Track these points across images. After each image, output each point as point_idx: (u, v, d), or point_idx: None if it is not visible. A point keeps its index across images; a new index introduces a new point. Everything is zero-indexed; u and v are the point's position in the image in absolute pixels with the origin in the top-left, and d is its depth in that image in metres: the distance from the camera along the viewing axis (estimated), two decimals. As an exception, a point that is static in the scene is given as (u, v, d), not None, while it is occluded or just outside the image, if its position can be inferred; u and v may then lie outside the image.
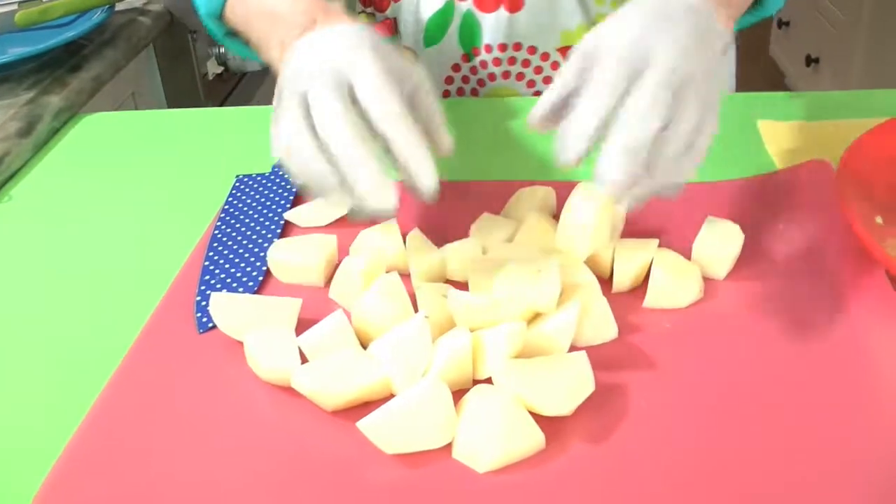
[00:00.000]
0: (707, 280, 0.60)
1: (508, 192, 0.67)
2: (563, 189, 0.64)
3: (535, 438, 0.47)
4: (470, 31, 0.91)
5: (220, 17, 0.73)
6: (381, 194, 0.52)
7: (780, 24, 3.40)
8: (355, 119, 0.53)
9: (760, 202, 0.68)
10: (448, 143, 0.60)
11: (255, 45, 0.69)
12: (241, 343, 0.55)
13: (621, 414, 0.50)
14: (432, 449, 0.48)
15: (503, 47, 0.91)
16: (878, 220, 0.62)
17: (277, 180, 0.76)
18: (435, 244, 0.63)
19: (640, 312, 0.58)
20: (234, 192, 0.76)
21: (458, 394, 0.51)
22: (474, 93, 0.94)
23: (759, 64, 3.50)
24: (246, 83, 1.43)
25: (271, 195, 0.74)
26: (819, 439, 0.48)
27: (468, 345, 0.51)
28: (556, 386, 0.49)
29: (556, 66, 0.91)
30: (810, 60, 3.04)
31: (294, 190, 0.74)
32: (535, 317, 0.55)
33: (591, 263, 0.59)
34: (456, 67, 0.93)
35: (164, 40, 1.26)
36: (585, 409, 0.50)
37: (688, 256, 0.60)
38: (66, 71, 1.04)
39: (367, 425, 0.48)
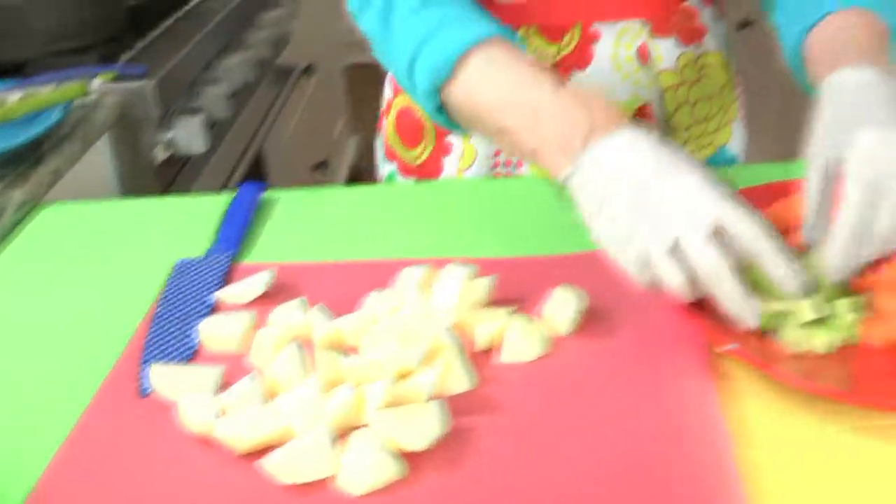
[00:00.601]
0: (556, 338, 0.74)
1: (395, 270, 0.81)
2: (440, 265, 0.78)
3: (398, 469, 0.61)
4: None
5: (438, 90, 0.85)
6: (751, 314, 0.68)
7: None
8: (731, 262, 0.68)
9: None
10: None
11: (499, 133, 0.81)
12: (174, 403, 0.69)
13: (472, 449, 0.64)
14: (319, 479, 0.62)
15: None
16: None
17: (211, 263, 0.90)
18: (335, 316, 0.77)
19: (496, 367, 0.72)
20: (174, 274, 0.89)
21: (347, 435, 0.65)
22: (518, 165, 1.09)
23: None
24: (191, 165, 1.57)
25: (206, 276, 0.88)
26: (632, 476, 0.62)
27: (352, 397, 0.65)
28: (416, 427, 0.63)
29: None
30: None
31: (224, 272, 0.88)
32: (407, 373, 0.69)
33: (459, 327, 0.74)
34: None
35: (117, 130, 1.39)
36: (443, 445, 0.64)
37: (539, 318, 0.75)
38: (27, 166, 1.17)
39: (270, 462, 0.62)
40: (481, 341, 0.73)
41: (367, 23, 0.95)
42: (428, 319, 0.73)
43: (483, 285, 0.77)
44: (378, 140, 1.23)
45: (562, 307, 0.75)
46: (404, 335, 0.71)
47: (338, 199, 1.04)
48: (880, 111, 0.73)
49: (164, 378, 0.72)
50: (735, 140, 1.16)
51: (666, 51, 1.05)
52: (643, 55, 1.04)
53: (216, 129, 1.63)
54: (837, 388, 0.67)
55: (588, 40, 1.03)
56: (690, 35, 1.07)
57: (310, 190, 1.06)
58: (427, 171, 1.15)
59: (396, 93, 1.16)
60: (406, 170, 1.17)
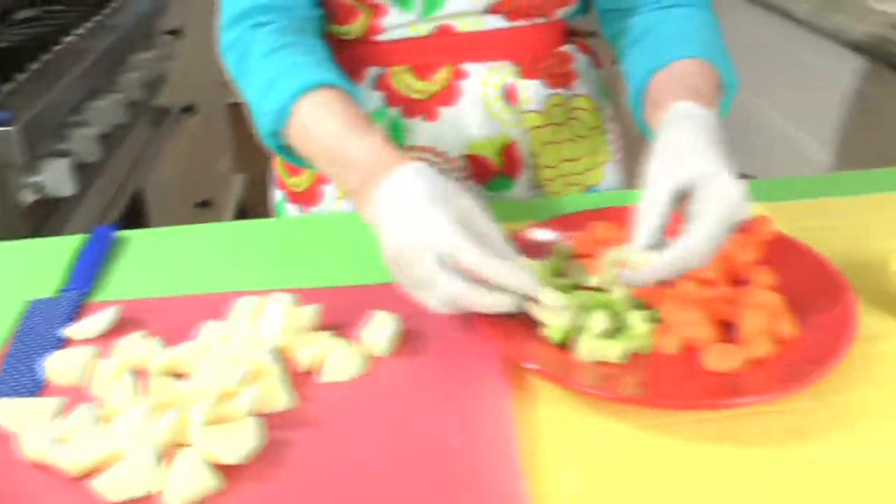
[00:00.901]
0: (374, 358, 0.81)
1: (231, 302, 0.88)
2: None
3: (216, 482, 0.68)
4: (398, 132, 1.12)
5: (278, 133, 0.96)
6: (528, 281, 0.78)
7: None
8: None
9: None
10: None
11: (328, 176, 0.95)
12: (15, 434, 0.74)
13: (288, 461, 0.71)
14: (145, 496, 0.68)
15: (422, 149, 1.12)
16: None
17: (63, 302, 0.95)
18: (170, 346, 0.83)
19: (316, 386, 0.79)
20: (28, 313, 0.94)
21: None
22: None
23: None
24: (62, 207, 1.61)
25: (58, 314, 0.93)
26: (427, 479, 0.69)
27: (177, 418, 0.72)
28: (233, 442, 0.70)
29: (462, 168, 1.13)
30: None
31: (76, 310, 0.93)
32: (231, 394, 0.75)
33: (284, 351, 0.81)
34: None
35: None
36: (261, 459, 0.70)
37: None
38: None
39: (99, 482, 0.68)
40: (303, 363, 0.80)
41: (229, 65, 1.03)
42: (254, 345, 0.80)
43: (307, 312, 0.84)
44: (269, 170, 1.30)
45: (379, 331, 0.82)
46: (231, 360, 0.77)
47: (185, 237, 1.09)
48: (709, 149, 0.83)
49: (8, 411, 0.77)
50: (608, 181, 1.23)
51: (534, 92, 1.13)
52: (510, 95, 1.12)
53: (86, 171, 1.67)
54: (624, 394, 0.75)
55: (457, 78, 1.11)
56: (560, 79, 1.15)
57: (158, 230, 1.12)
58: (308, 199, 1.22)
59: None
60: (292, 197, 1.24)
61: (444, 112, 1.11)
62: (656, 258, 0.78)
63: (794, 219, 1.01)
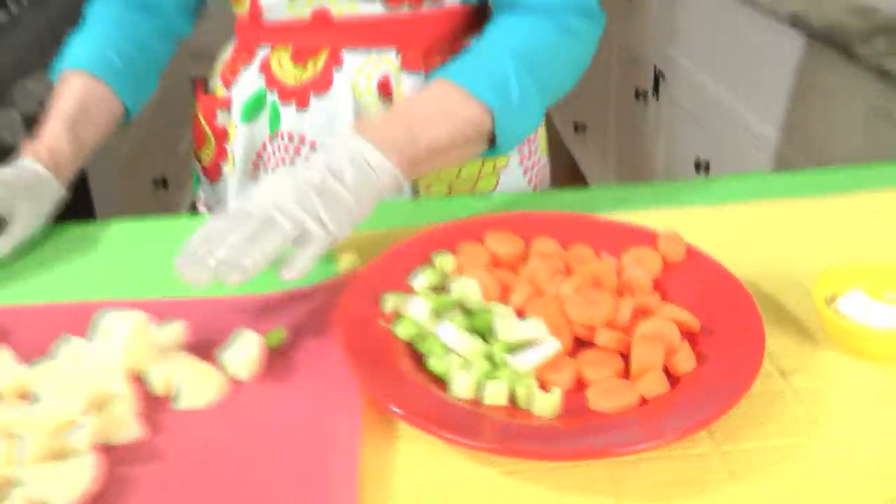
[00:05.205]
0: (234, 381, 0.75)
1: (91, 312, 0.81)
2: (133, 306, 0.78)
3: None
4: (275, 116, 1.09)
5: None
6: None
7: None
8: None
9: (299, 309, 0.84)
10: None
11: None
12: None
13: (130, 501, 0.64)
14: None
15: (291, 136, 1.08)
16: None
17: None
18: (25, 364, 0.76)
19: (170, 413, 0.72)
20: None
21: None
22: (275, 165, 1.12)
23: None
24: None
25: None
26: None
27: (4, 452, 0.65)
28: (67, 481, 0.63)
29: None
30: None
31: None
32: (70, 423, 0.68)
33: (134, 372, 0.74)
34: (264, 145, 1.11)
35: None
36: (97, 499, 0.64)
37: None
38: None
39: None
40: (157, 387, 0.73)
41: None
42: (105, 366, 0.73)
43: (168, 330, 0.77)
44: None
45: (240, 352, 0.75)
46: (78, 382, 0.70)
47: (63, 236, 1.02)
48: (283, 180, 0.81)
49: None
50: (505, 187, 1.14)
51: (411, 86, 1.05)
52: (384, 88, 1.05)
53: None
54: (483, 438, 0.66)
55: (332, 65, 1.05)
56: None
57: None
58: (211, 174, 1.20)
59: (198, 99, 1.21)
60: (202, 171, 1.22)
61: (315, 101, 1.07)
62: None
63: (720, 227, 0.94)
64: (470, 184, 1.11)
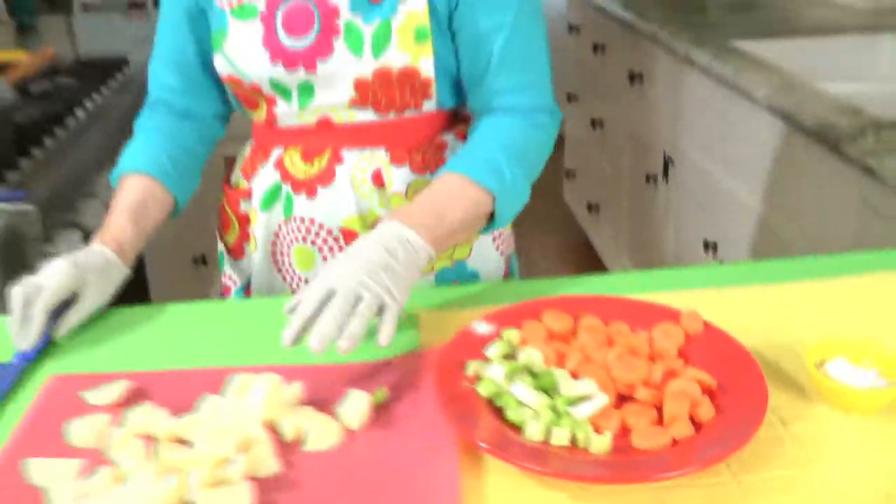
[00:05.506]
0: (348, 430, 0.94)
1: (223, 376, 1.00)
2: (257, 371, 0.98)
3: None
4: (288, 204, 1.32)
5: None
6: None
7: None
8: None
9: (394, 374, 1.03)
10: None
11: None
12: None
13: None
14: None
15: (302, 219, 1.31)
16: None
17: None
18: (173, 415, 0.95)
19: (299, 454, 0.91)
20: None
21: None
22: (290, 244, 1.33)
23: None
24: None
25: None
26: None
27: (175, 482, 0.84)
28: (229, 502, 0.82)
29: (336, 238, 1.31)
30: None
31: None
32: (226, 460, 0.87)
33: (269, 423, 0.93)
34: (280, 227, 1.34)
35: (4, 249, 1.54)
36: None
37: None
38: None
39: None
40: (287, 434, 0.92)
41: None
42: (244, 417, 0.92)
43: (291, 389, 0.97)
44: None
45: (353, 405, 0.94)
46: (225, 430, 0.90)
47: (184, 312, 1.23)
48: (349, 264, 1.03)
49: (36, 469, 0.89)
50: (476, 258, 1.36)
51: (399, 177, 1.29)
52: (377, 179, 1.28)
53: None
54: (558, 469, 0.86)
55: (334, 162, 1.29)
56: (427, 164, 1.30)
57: (160, 306, 1.24)
58: (235, 253, 1.44)
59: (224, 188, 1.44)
60: (227, 251, 1.46)
61: (321, 191, 1.29)
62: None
63: (730, 305, 1.15)
64: (448, 252, 1.34)
